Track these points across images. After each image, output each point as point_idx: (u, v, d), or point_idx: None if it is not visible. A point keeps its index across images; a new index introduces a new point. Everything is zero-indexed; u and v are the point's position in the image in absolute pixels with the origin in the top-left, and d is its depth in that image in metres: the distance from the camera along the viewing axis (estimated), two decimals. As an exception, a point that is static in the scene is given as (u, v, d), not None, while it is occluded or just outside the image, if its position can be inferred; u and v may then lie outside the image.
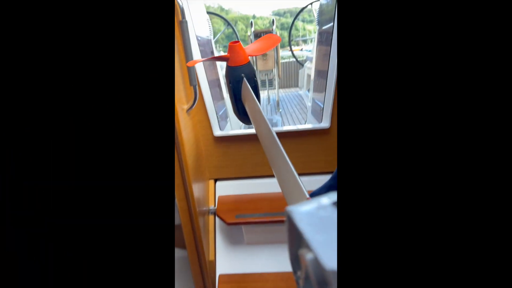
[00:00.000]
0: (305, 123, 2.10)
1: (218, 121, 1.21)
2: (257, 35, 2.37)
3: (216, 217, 1.23)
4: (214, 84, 1.37)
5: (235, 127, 1.70)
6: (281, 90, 3.67)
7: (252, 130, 1.22)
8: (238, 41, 0.68)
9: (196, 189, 1.07)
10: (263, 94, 3.58)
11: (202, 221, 1.15)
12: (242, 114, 0.75)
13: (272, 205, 1.19)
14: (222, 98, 1.54)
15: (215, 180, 1.36)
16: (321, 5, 1.46)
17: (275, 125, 1.52)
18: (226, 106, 1.59)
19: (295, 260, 0.21)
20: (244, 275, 1.17)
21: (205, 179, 1.29)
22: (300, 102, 2.89)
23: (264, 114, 0.58)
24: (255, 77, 0.72)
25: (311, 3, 3.28)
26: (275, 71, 2.28)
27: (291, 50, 3.23)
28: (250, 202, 1.23)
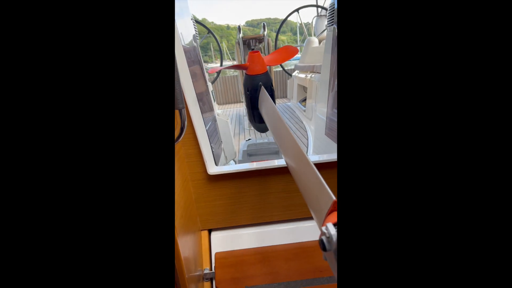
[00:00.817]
0: (307, 141, 1.83)
1: (213, 154, 0.89)
2: (246, 41, 2.09)
3: (215, 289, 0.88)
4: (205, 105, 1.06)
5: (230, 155, 1.38)
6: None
7: (254, 166, 0.90)
8: (257, 51, 0.69)
9: (186, 247, 0.73)
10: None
11: (194, 292, 0.80)
12: (258, 122, 0.77)
13: (290, 266, 0.87)
14: (215, 120, 1.22)
15: (209, 231, 1.02)
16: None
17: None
18: (218, 131, 1.27)
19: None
20: None
21: (196, 230, 0.94)
22: (293, 115, 2.63)
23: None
24: (272, 85, 0.72)
25: (297, 9, 3.08)
26: (268, 82, 2.01)
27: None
28: (259, 261, 0.90)
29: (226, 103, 4.50)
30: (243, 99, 0.92)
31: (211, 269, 0.93)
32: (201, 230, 1.01)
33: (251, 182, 0.92)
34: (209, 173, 0.87)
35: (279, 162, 0.89)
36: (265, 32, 1.92)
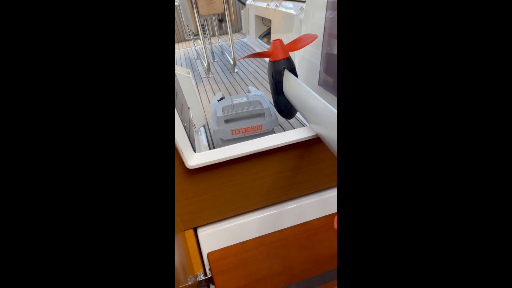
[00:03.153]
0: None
1: (189, 138, 0.61)
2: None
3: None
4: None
5: (198, 121, 1.07)
6: (216, 38, 2.89)
7: (247, 148, 0.65)
8: (280, 39, 0.77)
9: None
10: (198, 44, 2.76)
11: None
12: (283, 107, 0.85)
13: (305, 257, 0.74)
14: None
15: (195, 229, 0.80)
16: None
17: (259, 103, 0.96)
18: (182, 93, 0.94)
19: None
20: None
21: (178, 232, 0.72)
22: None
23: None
24: (295, 69, 0.79)
25: None
26: (226, 14, 1.55)
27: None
28: (266, 256, 0.75)
29: None
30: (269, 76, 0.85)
31: (205, 274, 0.75)
32: (184, 230, 0.79)
33: (243, 167, 0.69)
34: (188, 166, 0.61)
35: (278, 140, 0.66)
36: None
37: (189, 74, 0.99)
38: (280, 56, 0.77)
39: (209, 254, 0.77)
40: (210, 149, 1.07)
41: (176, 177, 0.65)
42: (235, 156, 0.63)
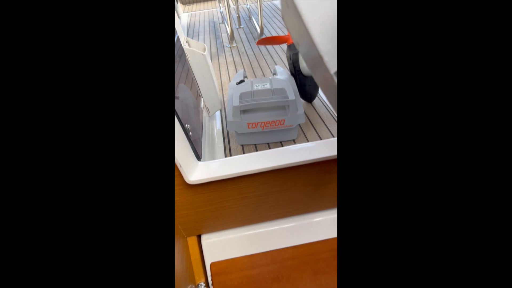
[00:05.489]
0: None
1: (192, 146, 0.49)
2: None
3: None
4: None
5: (213, 106, 0.94)
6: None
7: (257, 166, 0.52)
8: None
9: None
10: (224, 5, 2.50)
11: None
12: (302, 89, 0.86)
13: (305, 284, 0.64)
14: (182, 56, 0.73)
15: (198, 236, 0.72)
16: None
17: (284, 92, 0.81)
18: (193, 75, 0.79)
19: None
20: None
21: (179, 238, 0.64)
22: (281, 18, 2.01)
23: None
24: None
25: None
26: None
27: None
28: (275, 277, 0.66)
29: (191, 3, 3.46)
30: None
31: (207, 285, 0.68)
32: (187, 237, 0.71)
33: (256, 181, 0.57)
34: (188, 182, 0.50)
35: (302, 156, 0.52)
36: None
37: (204, 50, 0.84)
38: None
39: (212, 265, 0.69)
40: (223, 138, 0.95)
41: (175, 188, 0.55)
42: (245, 173, 0.51)
